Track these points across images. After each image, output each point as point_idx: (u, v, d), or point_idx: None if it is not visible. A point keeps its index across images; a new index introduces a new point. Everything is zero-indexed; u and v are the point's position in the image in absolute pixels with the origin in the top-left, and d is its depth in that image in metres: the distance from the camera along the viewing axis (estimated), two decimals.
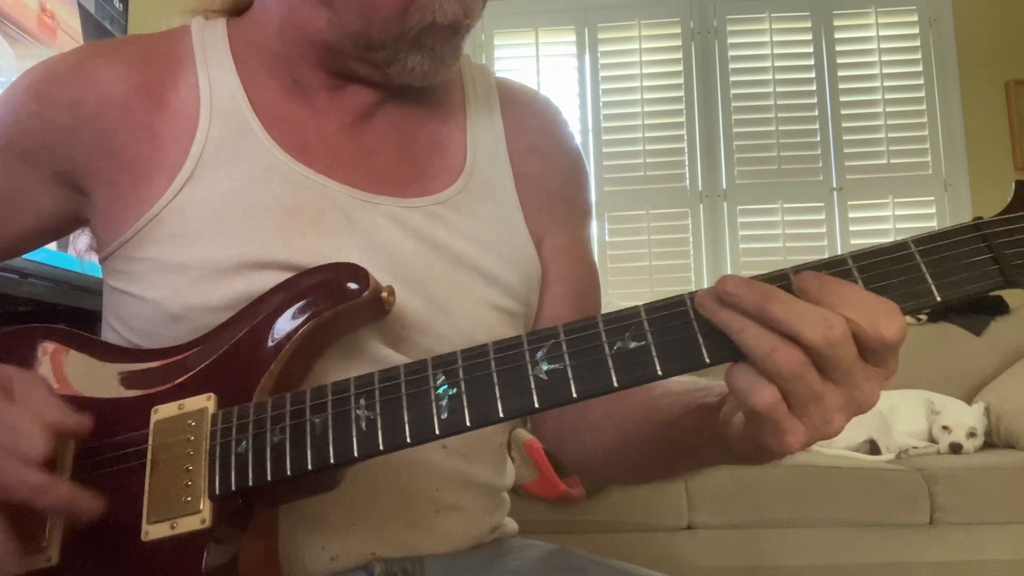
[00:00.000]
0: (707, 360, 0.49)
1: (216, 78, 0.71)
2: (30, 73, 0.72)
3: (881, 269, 0.48)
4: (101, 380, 0.64)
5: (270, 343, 0.60)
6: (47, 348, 0.66)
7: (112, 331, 0.71)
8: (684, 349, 0.49)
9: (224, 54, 0.73)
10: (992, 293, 0.47)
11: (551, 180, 0.80)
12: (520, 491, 2.03)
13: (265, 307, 0.62)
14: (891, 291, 0.47)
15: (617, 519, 2.11)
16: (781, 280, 0.48)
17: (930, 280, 0.47)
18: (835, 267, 0.48)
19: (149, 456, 0.58)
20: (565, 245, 0.80)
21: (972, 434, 2.42)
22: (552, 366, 0.51)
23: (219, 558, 0.56)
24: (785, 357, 0.45)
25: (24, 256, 0.81)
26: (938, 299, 0.47)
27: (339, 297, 0.60)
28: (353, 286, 0.60)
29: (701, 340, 0.49)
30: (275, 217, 0.66)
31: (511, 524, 0.80)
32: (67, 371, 0.65)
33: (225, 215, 0.66)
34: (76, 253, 1.76)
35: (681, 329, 0.49)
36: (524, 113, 0.82)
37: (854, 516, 2.12)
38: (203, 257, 0.65)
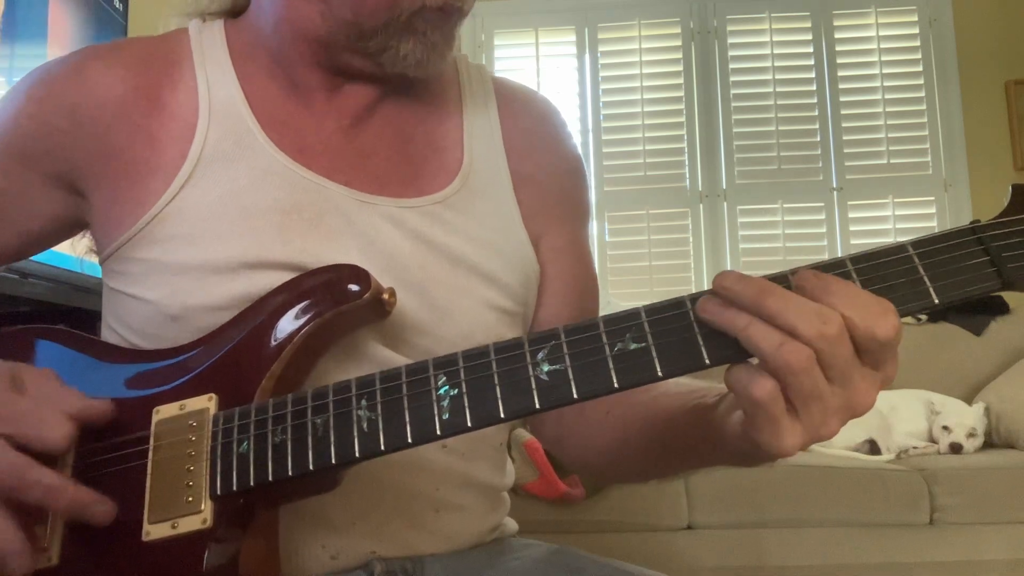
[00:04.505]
0: (707, 361, 0.49)
1: (214, 80, 0.72)
2: (29, 76, 0.72)
3: (879, 272, 0.48)
4: (102, 381, 0.64)
5: (271, 344, 0.60)
6: (47, 349, 0.67)
7: (112, 332, 0.72)
8: (684, 350, 0.49)
9: (222, 56, 0.73)
10: (990, 295, 0.48)
11: (549, 180, 0.80)
12: (520, 491, 2.03)
13: (266, 308, 0.62)
14: (889, 293, 0.47)
15: (617, 519, 2.11)
16: (781, 282, 0.49)
17: (928, 282, 0.48)
18: (833, 269, 0.49)
19: (150, 456, 0.58)
20: (563, 245, 0.80)
21: (972, 434, 2.42)
22: (553, 367, 0.51)
23: (220, 558, 0.56)
24: (793, 352, 0.45)
25: None
26: (936, 301, 0.47)
27: (340, 298, 0.61)
28: (354, 287, 0.61)
29: (701, 342, 0.49)
30: (274, 218, 0.67)
31: (511, 524, 0.81)
32: (67, 372, 0.65)
33: (224, 216, 0.67)
34: (77, 253, 1.76)
35: (681, 331, 0.50)
36: (521, 112, 0.82)
37: (854, 516, 2.12)
38: (202, 258, 0.65)
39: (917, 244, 0.49)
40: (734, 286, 0.47)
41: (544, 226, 0.78)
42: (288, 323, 0.61)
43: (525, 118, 0.82)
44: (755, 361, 0.48)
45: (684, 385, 0.63)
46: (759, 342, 0.46)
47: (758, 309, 0.46)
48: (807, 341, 0.45)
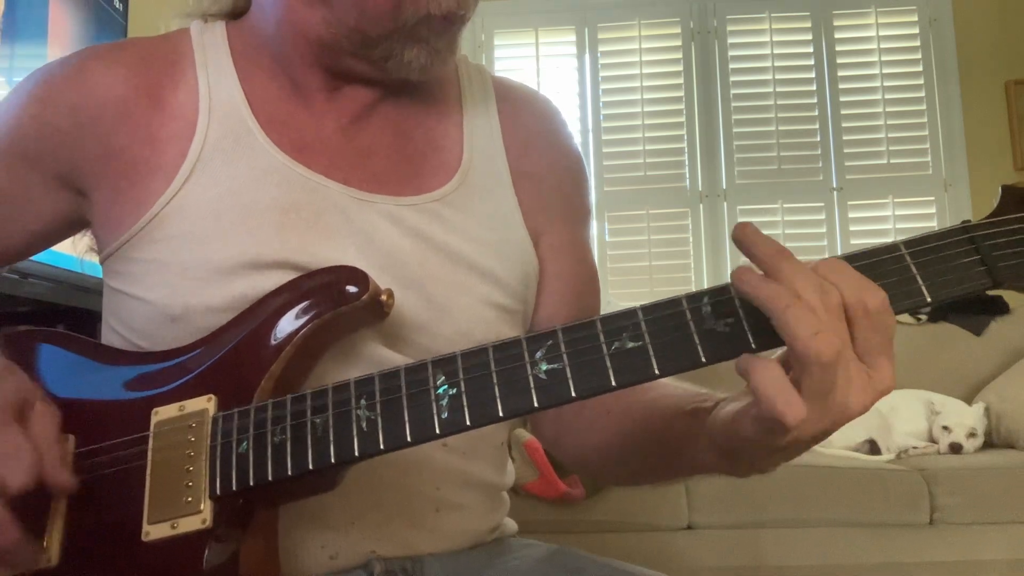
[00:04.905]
0: (703, 359, 0.49)
1: (215, 80, 0.72)
2: (31, 77, 0.73)
3: (873, 270, 0.49)
4: (101, 382, 0.64)
5: (270, 345, 0.60)
6: (46, 352, 0.67)
7: (112, 332, 0.72)
8: (681, 349, 0.50)
9: (224, 57, 0.73)
10: (986, 293, 0.49)
11: (549, 178, 0.80)
12: (520, 491, 2.03)
13: (265, 309, 0.62)
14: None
15: (617, 519, 2.11)
16: None
17: (920, 281, 0.48)
18: None
19: (150, 457, 0.58)
20: (563, 244, 0.80)
21: (972, 434, 2.42)
22: (551, 366, 0.51)
23: (219, 558, 0.56)
24: (827, 342, 0.44)
25: None
26: (928, 300, 0.48)
27: (339, 300, 0.61)
28: (353, 289, 0.61)
29: (697, 340, 0.49)
30: (273, 217, 0.67)
31: (511, 524, 0.81)
32: (66, 374, 0.65)
33: (223, 215, 0.67)
34: (77, 253, 1.76)
35: (678, 329, 0.50)
36: (521, 111, 0.82)
37: (854, 516, 2.12)
38: (202, 257, 0.66)
39: (909, 243, 0.49)
40: (755, 237, 0.48)
41: (544, 224, 0.79)
42: (287, 324, 0.61)
43: (525, 117, 0.82)
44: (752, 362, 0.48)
45: (685, 388, 0.63)
46: (795, 326, 0.45)
47: (772, 266, 0.47)
48: (810, 309, 0.45)
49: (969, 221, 0.49)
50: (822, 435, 0.48)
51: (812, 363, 0.45)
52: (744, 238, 0.48)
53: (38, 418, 0.58)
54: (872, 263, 0.49)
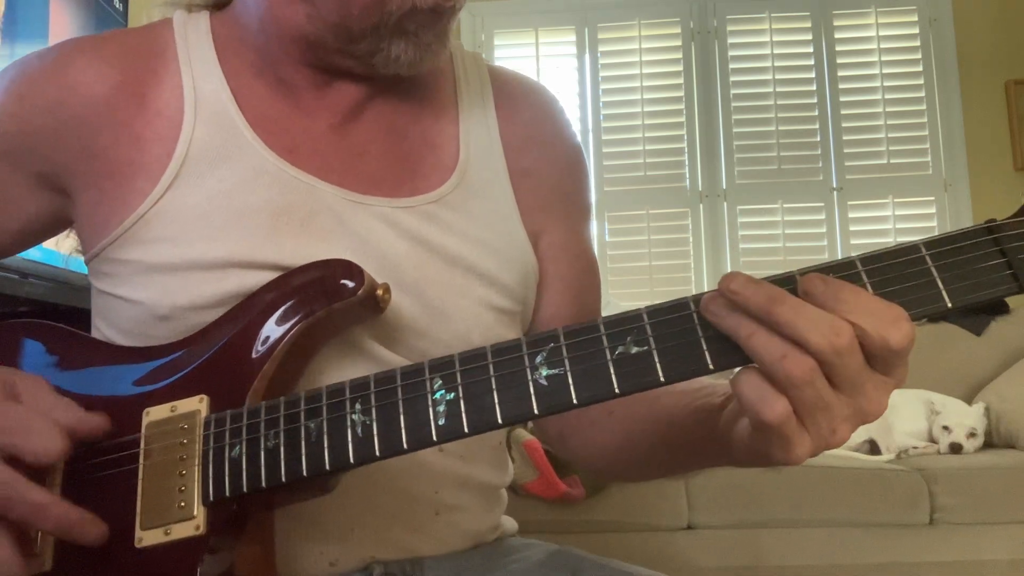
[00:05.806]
0: (711, 367, 0.47)
1: (200, 77, 0.70)
2: (8, 72, 0.71)
3: (890, 273, 0.46)
4: (91, 378, 0.63)
5: (263, 343, 0.59)
6: (34, 346, 0.65)
7: (100, 334, 0.70)
8: (688, 355, 0.48)
9: (208, 51, 0.71)
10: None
11: (548, 175, 0.78)
12: (520, 491, 2.03)
13: (257, 305, 0.61)
14: (901, 296, 0.46)
15: (617, 519, 2.11)
16: (788, 283, 0.47)
17: (941, 285, 0.45)
18: (843, 270, 0.47)
19: (141, 460, 0.57)
20: (563, 242, 0.78)
21: (972, 434, 2.42)
22: (552, 371, 0.49)
23: (215, 565, 0.55)
24: (796, 364, 0.44)
25: (24, 256, 0.80)
26: (949, 305, 0.45)
27: (333, 295, 0.59)
28: (348, 283, 0.59)
29: (705, 346, 0.48)
30: (265, 219, 0.65)
31: (510, 522, 0.80)
32: (55, 368, 0.64)
33: (213, 217, 0.65)
34: (61, 251, 1.75)
35: (685, 334, 0.48)
36: (519, 105, 0.80)
37: (854, 516, 2.12)
38: (191, 258, 0.64)
39: (930, 244, 0.47)
40: (743, 291, 0.45)
41: (543, 223, 0.77)
42: (280, 322, 0.59)
43: (524, 111, 0.80)
44: None
45: (690, 381, 0.62)
46: (761, 353, 0.45)
47: (767, 317, 0.45)
48: (817, 352, 0.44)
49: (994, 220, 0.46)
50: (842, 440, 0.47)
51: (786, 385, 0.44)
52: (732, 294, 0.46)
53: (28, 387, 0.57)
54: (890, 265, 0.46)
